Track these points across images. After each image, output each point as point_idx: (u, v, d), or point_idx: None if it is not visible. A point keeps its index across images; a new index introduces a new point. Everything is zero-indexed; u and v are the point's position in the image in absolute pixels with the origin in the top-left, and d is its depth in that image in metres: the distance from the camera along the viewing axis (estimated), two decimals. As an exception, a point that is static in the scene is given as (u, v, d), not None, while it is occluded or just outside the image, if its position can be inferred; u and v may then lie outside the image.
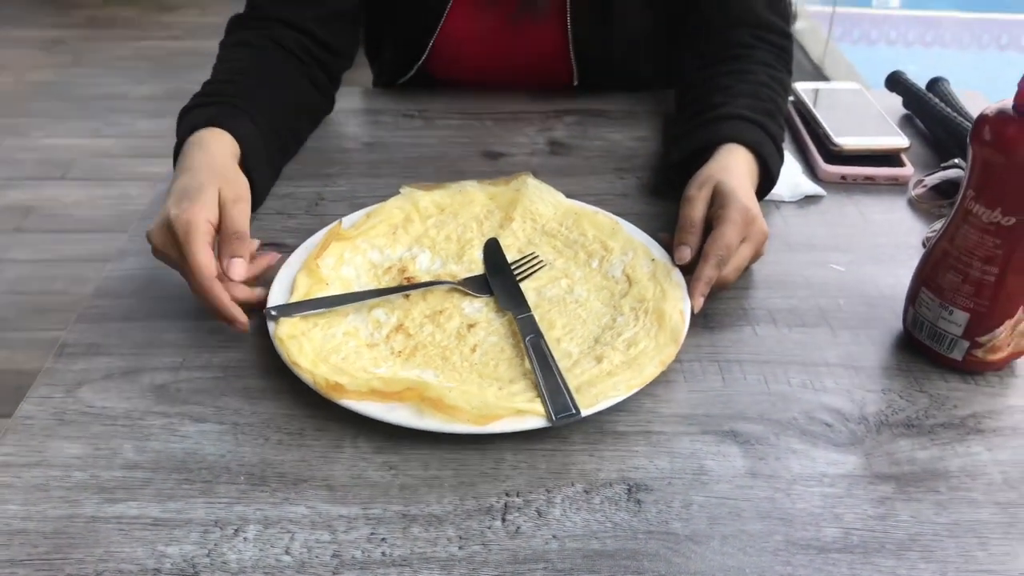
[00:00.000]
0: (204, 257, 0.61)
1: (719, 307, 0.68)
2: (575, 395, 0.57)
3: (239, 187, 0.69)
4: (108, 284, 0.70)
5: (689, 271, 0.67)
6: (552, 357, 0.60)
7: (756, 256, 0.71)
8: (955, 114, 0.90)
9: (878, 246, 0.76)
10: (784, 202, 0.83)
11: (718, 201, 0.70)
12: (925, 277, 0.63)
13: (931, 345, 0.63)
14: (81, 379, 0.60)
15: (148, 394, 0.59)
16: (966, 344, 0.61)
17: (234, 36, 0.88)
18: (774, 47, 0.91)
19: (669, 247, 0.71)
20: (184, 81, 3.08)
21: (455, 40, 0.99)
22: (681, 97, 0.93)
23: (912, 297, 0.64)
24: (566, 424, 0.56)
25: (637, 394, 0.58)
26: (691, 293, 0.66)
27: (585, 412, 0.56)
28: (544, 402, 0.57)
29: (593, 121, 0.90)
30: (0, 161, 2.56)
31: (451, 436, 0.55)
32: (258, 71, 0.84)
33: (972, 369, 0.62)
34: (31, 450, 0.55)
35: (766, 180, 0.79)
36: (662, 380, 0.60)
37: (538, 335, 0.63)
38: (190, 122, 0.75)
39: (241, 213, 0.66)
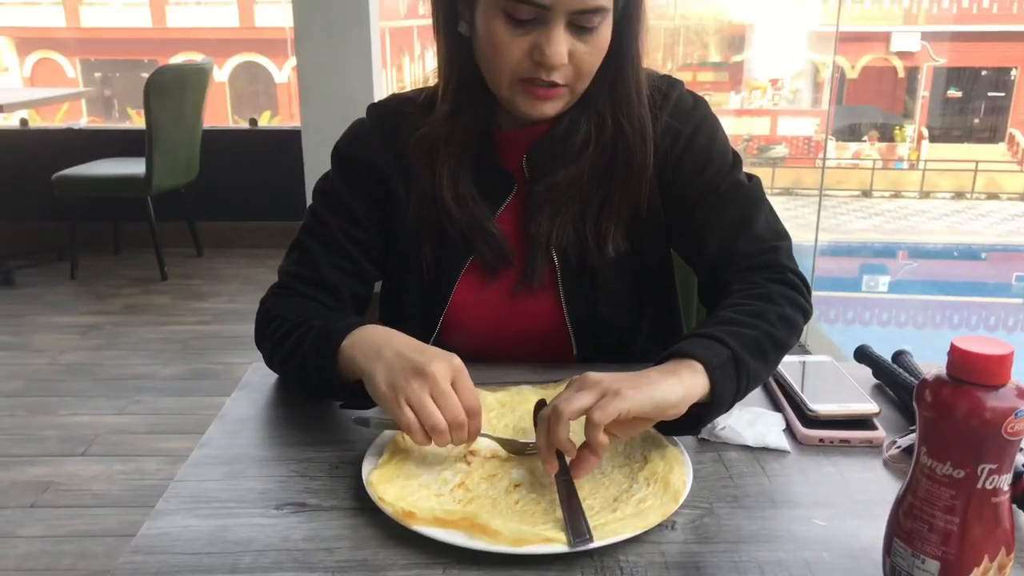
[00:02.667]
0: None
1: (711, 560, 0.73)
2: (592, 531, 0.72)
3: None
4: (143, 542, 0.75)
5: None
6: (578, 502, 0.77)
7: (599, 394, 0.79)
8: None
9: (856, 503, 0.82)
10: (749, 447, 0.91)
11: None
12: (896, 528, 0.68)
13: (911, 594, 0.67)
14: (112, 630, 0.64)
15: (174, 643, 0.63)
16: (942, 591, 0.65)
17: (283, 300, 1.09)
18: (756, 272, 1.01)
19: None
20: (208, 362, 3.28)
21: (463, 314, 1.12)
22: None
23: (887, 548, 0.69)
24: (583, 548, 0.71)
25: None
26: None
27: (597, 542, 0.71)
28: (567, 532, 0.72)
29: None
30: (26, 438, 2.66)
31: None
32: (328, 313, 1.05)
33: (952, 617, 0.65)
34: None
35: (714, 382, 0.83)
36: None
37: (569, 491, 0.78)
38: (341, 330, 0.94)
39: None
